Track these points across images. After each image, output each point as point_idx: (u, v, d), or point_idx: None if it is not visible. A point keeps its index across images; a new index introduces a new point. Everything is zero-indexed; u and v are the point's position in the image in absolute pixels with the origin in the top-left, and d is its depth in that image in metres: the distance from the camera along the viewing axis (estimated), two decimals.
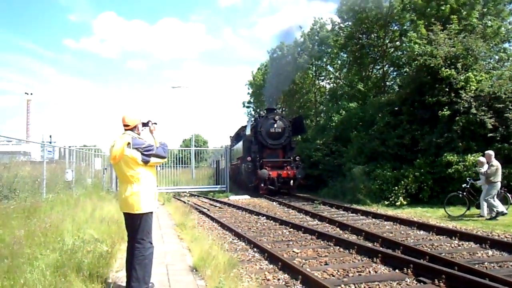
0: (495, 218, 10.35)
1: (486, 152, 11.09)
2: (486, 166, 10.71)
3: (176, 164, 23.43)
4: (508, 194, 11.01)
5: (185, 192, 20.98)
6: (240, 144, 22.55)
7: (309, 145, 23.92)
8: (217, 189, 21.45)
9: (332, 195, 17.64)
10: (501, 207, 10.48)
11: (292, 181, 19.09)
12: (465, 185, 11.41)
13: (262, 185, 18.90)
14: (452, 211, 11.48)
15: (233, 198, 18.39)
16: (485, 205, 10.65)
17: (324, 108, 29.14)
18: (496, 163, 10.62)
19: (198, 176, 25.96)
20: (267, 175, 18.63)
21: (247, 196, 19.01)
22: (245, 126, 21.93)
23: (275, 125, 20.21)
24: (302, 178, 19.03)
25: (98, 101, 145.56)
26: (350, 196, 15.77)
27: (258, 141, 20.26)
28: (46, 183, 10.80)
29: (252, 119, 24.07)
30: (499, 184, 10.59)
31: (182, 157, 26.19)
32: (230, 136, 30.38)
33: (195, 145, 48.82)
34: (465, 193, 11.28)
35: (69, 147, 17.12)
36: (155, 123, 4.86)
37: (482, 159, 10.93)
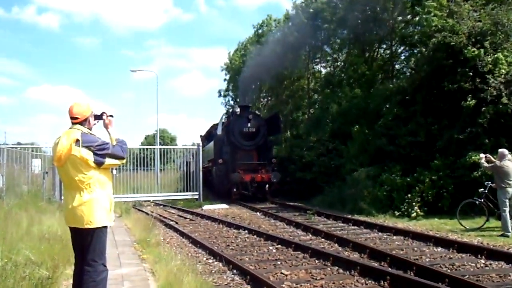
0: (504, 235, 10.22)
1: (499, 150, 10.90)
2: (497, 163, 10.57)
3: (137, 166, 23.63)
4: None
5: (148, 201, 21.11)
6: (212, 144, 23.70)
7: (300, 143, 24.06)
8: (187, 197, 21.47)
9: (329, 203, 17.85)
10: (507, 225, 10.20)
11: (267, 186, 20.61)
12: (482, 189, 11.27)
13: (235, 190, 20.55)
14: (469, 223, 11.53)
15: (208, 208, 18.63)
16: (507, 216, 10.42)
17: (319, 97, 29.32)
18: (508, 163, 10.49)
19: (164, 181, 25.85)
20: (239, 179, 20.23)
21: (224, 205, 19.33)
22: (217, 125, 23.01)
23: (249, 124, 21.72)
24: (277, 182, 20.57)
25: (35, 88, 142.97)
26: (351, 205, 15.94)
27: (230, 141, 21.71)
28: None
29: (225, 116, 25.07)
30: (510, 191, 10.49)
31: (144, 158, 26.00)
32: (201, 136, 31.40)
33: (160, 143, 48.60)
34: (482, 200, 11.16)
35: None
36: (111, 116, 4.83)
37: (483, 155, 11.01)
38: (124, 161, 4.79)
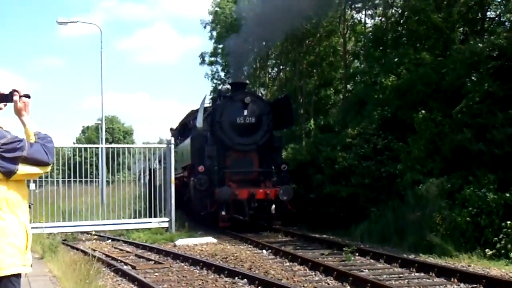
0: None
1: None
2: None
3: (70, 177, 23.76)
4: None
5: (88, 232, 21.11)
6: (188, 143, 23.95)
7: (331, 139, 24.05)
8: (152, 226, 21.55)
9: (378, 235, 17.91)
10: None
11: (273, 207, 21.10)
12: None
13: (223, 213, 20.96)
14: None
15: (184, 243, 18.63)
16: None
17: (363, 65, 29.15)
18: None
19: (114, 200, 25.53)
20: (230, 196, 20.62)
21: (210, 239, 19.37)
22: (197, 112, 23.41)
23: (245, 112, 22.06)
24: (289, 200, 21.13)
25: None
26: (414, 237, 15.90)
27: (216, 138, 22.19)
28: None
29: (209, 99, 25.66)
30: None
31: (81, 163, 25.83)
32: (172, 129, 32.11)
33: (107, 140, 48.35)
34: None
35: None
36: (26, 96, 4.77)
37: None
38: (49, 168, 4.79)
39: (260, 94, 36.40)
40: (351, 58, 31.09)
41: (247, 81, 25.95)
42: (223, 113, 22.16)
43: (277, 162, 22.41)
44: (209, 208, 21.35)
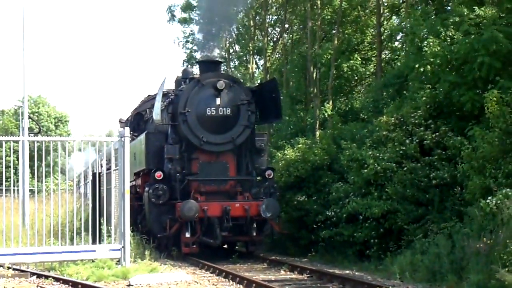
0: None
1: None
2: None
3: None
4: None
5: (2, 265, 20.76)
6: (141, 141, 24.53)
7: (355, 130, 24.27)
8: (96, 256, 21.09)
9: (426, 271, 17.67)
10: None
11: (254, 226, 22.18)
12: None
13: (187, 235, 21.71)
14: None
15: (143, 282, 18.42)
16: None
17: (404, 22, 29.04)
18: None
19: (40, 217, 25.25)
20: (196, 212, 21.59)
21: (182, 276, 19.12)
22: (155, 98, 24.46)
23: (218, 101, 22.94)
24: (273, 217, 22.01)
25: None
26: (479, 275, 15.66)
27: (179, 135, 23.04)
28: None
29: (169, 84, 26.26)
30: None
31: None
32: (121, 121, 33.22)
33: (32, 129, 48.17)
34: None
35: None
36: None
37: None
38: None
39: (255, 65, 36.33)
40: (387, 14, 30.81)
41: (218, 58, 26.72)
42: (189, 102, 22.74)
43: (259, 168, 23.18)
44: (168, 229, 21.87)
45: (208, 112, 22.70)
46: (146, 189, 22.98)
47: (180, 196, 21.85)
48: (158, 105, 23.00)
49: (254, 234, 22.18)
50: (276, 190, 23.20)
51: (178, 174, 22.33)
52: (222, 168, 23.05)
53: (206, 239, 22.02)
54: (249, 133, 23.20)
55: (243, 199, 22.22)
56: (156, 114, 23.01)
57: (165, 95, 24.30)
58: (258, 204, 21.67)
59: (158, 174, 22.40)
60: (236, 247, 25.62)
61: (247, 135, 23.14)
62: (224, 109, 22.77)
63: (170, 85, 27.20)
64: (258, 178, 23.69)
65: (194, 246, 21.98)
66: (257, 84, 28.14)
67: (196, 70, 28.78)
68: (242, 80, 33.14)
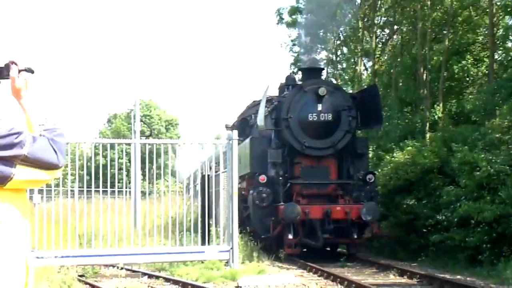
0: None
1: None
2: None
3: (90, 185, 24.12)
4: None
5: (115, 265, 21.24)
6: (246, 146, 25.20)
7: (468, 134, 23.84)
8: (206, 257, 21.27)
9: None
10: None
11: (355, 228, 22.53)
12: None
13: (290, 236, 22.59)
14: None
15: (251, 284, 18.47)
16: None
17: None
18: None
19: (151, 219, 25.57)
20: (298, 215, 21.88)
21: (290, 278, 19.10)
22: (259, 104, 24.51)
23: (319, 107, 23.25)
24: (374, 220, 22.74)
25: None
26: None
27: (282, 140, 23.66)
28: None
29: (273, 91, 26.49)
30: None
31: (105, 166, 26.10)
32: (227, 127, 33.53)
33: (144, 132, 48.91)
34: None
35: None
36: (29, 70, 4.66)
37: None
38: (60, 173, 4.68)
39: (363, 67, 36.17)
40: (501, 13, 30.36)
41: (321, 66, 27.57)
42: (291, 108, 23.14)
43: (361, 172, 23.45)
44: (271, 230, 22.41)
45: (310, 117, 23.11)
46: (251, 192, 23.72)
47: (283, 199, 22.35)
48: (262, 111, 23.41)
49: (355, 236, 22.49)
50: (377, 194, 23.58)
51: (281, 178, 22.94)
52: (324, 172, 23.51)
53: (308, 240, 22.39)
54: (350, 138, 23.56)
55: (344, 203, 22.55)
56: (260, 120, 23.39)
57: (268, 101, 24.69)
58: (359, 207, 21.99)
59: (262, 178, 22.98)
60: (339, 249, 25.99)
61: (348, 140, 23.50)
62: (326, 114, 23.14)
63: (274, 92, 27.90)
64: (360, 182, 23.81)
65: (297, 247, 22.45)
66: (357, 90, 28.33)
67: (299, 77, 29.47)
68: (350, 82, 33.34)
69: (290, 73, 31.18)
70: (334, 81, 44.18)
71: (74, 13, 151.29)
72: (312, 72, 24.72)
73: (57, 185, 21.95)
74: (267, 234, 22.74)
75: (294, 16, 42.49)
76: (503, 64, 28.88)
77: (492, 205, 20.41)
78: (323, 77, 27.33)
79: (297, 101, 23.37)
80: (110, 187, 26.79)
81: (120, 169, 28.51)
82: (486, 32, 30.84)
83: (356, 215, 21.89)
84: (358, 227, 22.48)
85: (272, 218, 22.56)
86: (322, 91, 22.93)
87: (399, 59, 35.82)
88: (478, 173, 21.23)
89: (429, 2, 32.15)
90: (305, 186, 23.04)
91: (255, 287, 18.14)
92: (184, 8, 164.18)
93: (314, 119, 23.13)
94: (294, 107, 23.28)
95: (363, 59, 41.39)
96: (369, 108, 24.26)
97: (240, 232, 22.53)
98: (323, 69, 27.49)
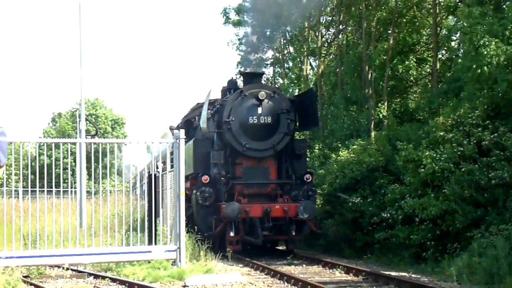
0: None
1: None
2: None
3: (34, 184, 24.43)
4: None
5: (59, 266, 21.00)
6: (189, 147, 25.89)
7: (412, 132, 23.93)
8: (152, 256, 21.14)
9: (484, 274, 17.47)
10: None
11: (293, 226, 23.45)
12: None
13: (232, 234, 23.68)
14: None
15: (199, 283, 18.44)
16: None
17: (463, 22, 28.68)
18: None
19: (97, 218, 25.33)
20: (239, 213, 23.14)
21: (237, 277, 19.19)
22: (202, 106, 25.86)
23: (259, 110, 24.31)
24: (311, 218, 23.70)
25: None
26: None
27: (224, 142, 24.51)
28: None
29: (214, 95, 27.59)
30: None
31: (50, 166, 25.85)
32: (172, 128, 34.86)
33: (89, 132, 48.44)
34: None
35: None
36: None
37: None
38: (1, 172, 4.50)
39: (310, 66, 36.40)
40: (443, 13, 30.58)
41: (260, 70, 28.83)
42: (233, 111, 24.06)
43: (299, 172, 24.24)
44: (214, 228, 23.32)
45: (251, 120, 23.97)
46: (194, 191, 24.43)
47: (225, 198, 23.24)
48: (204, 113, 24.25)
49: (293, 233, 23.39)
50: (314, 193, 24.62)
51: (223, 178, 23.86)
52: (264, 173, 24.41)
53: (249, 238, 23.30)
54: (289, 139, 24.52)
55: (283, 201, 23.52)
56: (203, 122, 24.28)
57: (211, 104, 25.44)
58: (297, 205, 22.89)
59: (205, 178, 23.95)
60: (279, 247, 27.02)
61: (287, 142, 24.45)
62: (265, 117, 24.07)
63: (217, 95, 28.65)
64: (298, 182, 24.56)
65: (238, 244, 23.35)
66: (296, 94, 29.15)
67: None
68: (296, 81, 33.58)
69: (231, 78, 31.41)
70: (281, 80, 44.55)
71: (16, 8, 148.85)
72: (252, 76, 25.48)
73: (1, 185, 21.81)
74: (209, 232, 23.41)
75: (241, 15, 42.28)
76: (446, 64, 29.01)
77: (436, 202, 20.57)
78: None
79: (239, 104, 24.18)
80: (55, 187, 26.55)
81: (65, 168, 27.98)
82: (430, 32, 30.93)
83: (294, 213, 22.84)
84: (296, 225, 23.29)
85: (215, 216, 23.45)
86: (262, 95, 23.93)
87: (344, 59, 35.77)
88: (422, 170, 21.40)
89: (373, 2, 32.19)
90: (246, 186, 23.93)
91: (202, 287, 18.13)
92: (131, 6, 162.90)
93: (255, 121, 23.93)
94: (235, 110, 24.10)
95: (309, 58, 41.40)
96: (306, 111, 25.22)
97: (187, 232, 22.52)
98: (263, 73, 28.76)
